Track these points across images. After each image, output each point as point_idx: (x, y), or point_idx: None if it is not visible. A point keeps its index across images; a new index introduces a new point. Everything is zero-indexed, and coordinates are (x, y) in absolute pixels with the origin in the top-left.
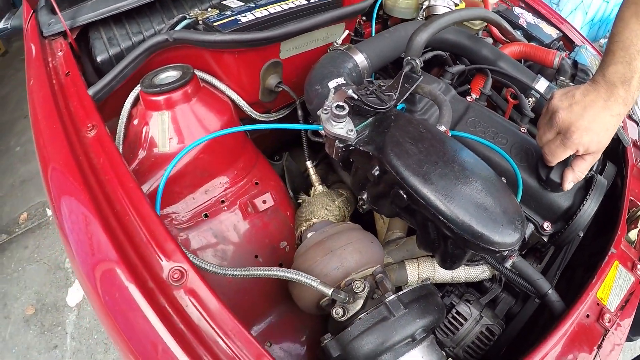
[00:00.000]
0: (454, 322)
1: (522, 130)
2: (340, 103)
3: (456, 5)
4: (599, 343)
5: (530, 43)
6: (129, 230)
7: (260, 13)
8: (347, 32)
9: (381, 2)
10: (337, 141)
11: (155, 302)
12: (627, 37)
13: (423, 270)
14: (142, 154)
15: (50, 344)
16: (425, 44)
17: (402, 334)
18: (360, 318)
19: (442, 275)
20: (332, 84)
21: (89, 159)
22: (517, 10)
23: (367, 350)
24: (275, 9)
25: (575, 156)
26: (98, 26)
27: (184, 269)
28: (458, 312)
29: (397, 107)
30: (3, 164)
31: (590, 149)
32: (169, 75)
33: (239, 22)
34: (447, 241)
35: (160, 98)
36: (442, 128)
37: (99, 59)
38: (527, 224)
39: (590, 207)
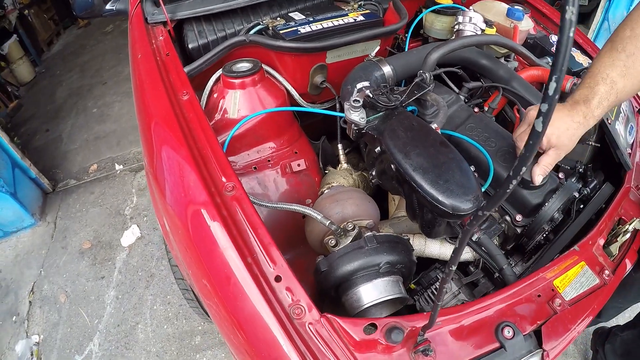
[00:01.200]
0: (434, 294)
1: None
2: (357, 98)
3: (482, 30)
4: (545, 320)
5: (547, 68)
6: (206, 161)
7: (315, 27)
8: (377, 47)
9: (420, 23)
10: (352, 125)
11: (215, 202)
12: (596, 68)
13: (415, 244)
14: (217, 116)
15: (99, 274)
16: (436, 61)
17: (370, 261)
18: (345, 245)
19: (431, 250)
20: (358, 85)
21: (184, 115)
22: (554, 38)
23: (344, 269)
24: (327, 24)
25: (541, 153)
26: (191, 21)
27: (234, 185)
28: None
29: (408, 109)
30: (80, 121)
31: (552, 141)
32: (244, 65)
33: (299, 33)
34: (423, 209)
35: (236, 81)
36: (434, 125)
37: (190, 46)
38: (483, 201)
39: (553, 204)
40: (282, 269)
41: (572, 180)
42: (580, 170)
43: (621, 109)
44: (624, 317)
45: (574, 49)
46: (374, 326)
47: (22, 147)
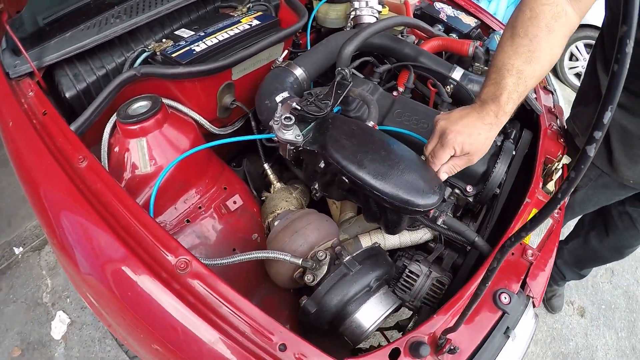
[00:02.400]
0: (409, 280)
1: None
2: (288, 115)
3: (379, 12)
4: (526, 273)
5: (448, 36)
6: (137, 237)
7: (210, 41)
8: (286, 51)
9: (314, 15)
10: (288, 145)
11: (172, 287)
12: (500, 59)
13: (375, 241)
14: (127, 175)
15: None
16: (352, 54)
17: (360, 284)
18: (326, 278)
19: (392, 242)
20: (278, 98)
21: (87, 186)
22: (438, 5)
23: (336, 302)
24: (223, 36)
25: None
26: (63, 64)
27: (187, 259)
28: (410, 271)
29: (334, 110)
30: None
31: (465, 149)
32: (141, 105)
33: (194, 52)
34: (386, 211)
35: (137, 127)
36: (371, 123)
37: (67, 95)
38: (445, 187)
39: (500, 169)
40: (283, 335)
41: (503, 138)
42: (509, 130)
43: None
44: (563, 234)
45: (458, 11)
46: (397, 350)
47: None
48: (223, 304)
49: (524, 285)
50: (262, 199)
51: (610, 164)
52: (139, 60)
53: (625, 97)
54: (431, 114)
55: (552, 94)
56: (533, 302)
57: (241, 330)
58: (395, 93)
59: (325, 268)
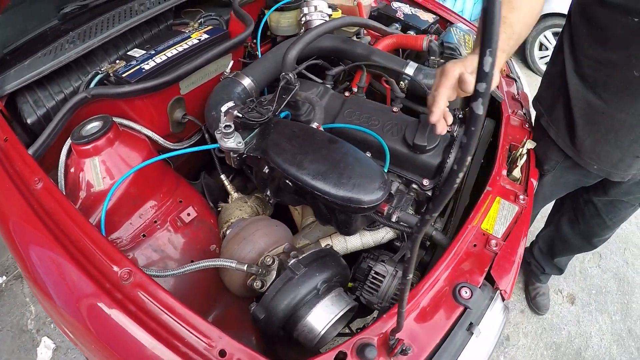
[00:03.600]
0: (375, 282)
1: (394, 110)
2: (228, 123)
3: (329, 15)
4: (490, 264)
5: (402, 33)
6: (87, 254)
7: (159, 59)
8: (231, 62)
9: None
10: (231, 153)
11: (113, 297)
12: None
13: (336, 244)
14: (82, 194)
15: None
16: (295, 59)
17: (307, 288)
18: (273, 283)
19: (353, 244)
20: (223, 108)
21: (43, 207)
22: (395, 4)
23: (283, 307)
24: (172, 52)
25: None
26: (23, 91)
27: (130, 270)
28: (376, 272)
29: (281, 115)
30: None
31: (474, 63)
32: (93, 126)
33: (143, 70)
34: (334, 211)
35: (89, 147)
36: (315, 124)
37: (28, 121)
38: (392, 182)
39: (465, 158)
40: (221, 341)
41: (457, 128)
42: (460, 116)
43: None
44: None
45: (416, 8)
46: (343, 354)
47: None
48: (164, 311)
49: (490, 278)
50: (219, 210)
51: (574, 144)
52: (93, 83)
53: (591, 68)
54: (382, 110)
55: (515, 81)
56: (501, 294)
57: (181, 337)
58: (347, 93)
59: (274, 273)
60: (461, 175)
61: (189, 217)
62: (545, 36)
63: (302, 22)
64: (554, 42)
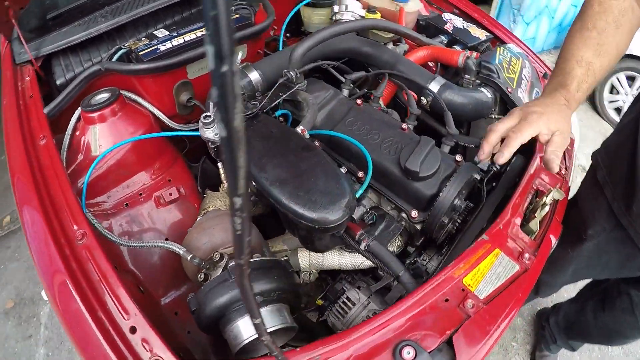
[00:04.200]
0: (344, 307)
1: (403, 127)
2: (208, 113)
3: (362, 17)
4: (456, 328)
5: (441, 46)
6: (58, 209)
7: (177, 42)
8: (241, 53)
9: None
10: (209, 143)
11: (63, 253)
12: (569, 51)
13: (313, 257)
14: (80, 157)
15: (26, 333)
16: (302, 57)
17: (233, 296)
18: (209, 280)
19: (330, 262)
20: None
21: (39, 162)
22: (447, 16)
23: (213, 306)
24: (190, 36)
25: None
26: (58, 55)
27: (84, 232)
28: (348, 298)
29: (278, 113)
30: None
31: (551, 128)
32: (102, 96)
33: (157, 51)
34: (294, 223)
35: (94, 115)
36: (300, 128)
37: (58, 82)
38: (357, 206)
39: (449, 193)
40: (136, 319)
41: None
42: (495, 169)
43: (523, 75)
44: (568, 294)
45: (469, 23)
46: None
47: None
48: (98, 276)
49: (452, 344)
50: (204, 196)
51: (629, 212)
52: (116, 56)
53: None
54: (388, 125)
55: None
56: None
57: (103, 303)
58: (359, 101)
59: (219, 270)
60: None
61: (171, 196)
62: (618, 79)
63: (333, 20)
64: (626, 87)
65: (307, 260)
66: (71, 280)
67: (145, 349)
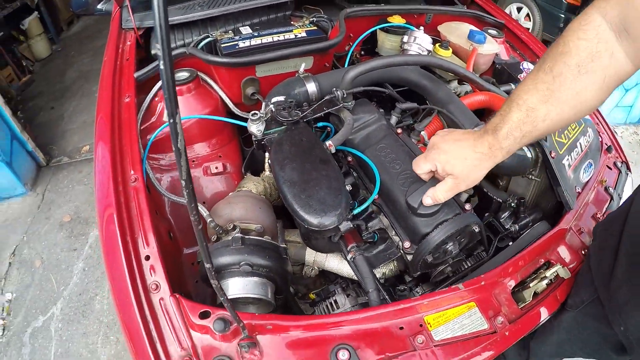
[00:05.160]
0: (329, 307)
1: None
2: (255, 111)
3: (429, 51)
4: (397, 354)
5: (498, 93)
6: (124, 156)
7: (255, 42)
8: (304, 64)
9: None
10: (253, 136)
11: (117, 188)
12: (516, 92)
13: (318, 256)
14: (153, 119)
15: (72, 246)
16: (353, 80)
17: (232, 259)
18: (216, 242)
19: (331, 264)
20: (273, 100)
21: (120, 116)
22: (526, 65)
23: (214, 262)
24: (267, 39)
25: (440, 179)
26: None
27: (137, 177)
28: (335, 301)
29: (319, 124)
30: (82, 104)
31: (446, 169)
32: (183, 74)
33: (237, 47)
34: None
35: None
36: (328, 143)
37: (152, 52)
38: (346, 219)
39: (437, 235)
40: (152, 251)
41: (502, 214)
42: (513, 204)
43: (578, 143)
44: None
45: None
46: (207, 314)
47: (26, 122)
48: (137, 212)
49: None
50: (244, 177)
51: (608, 287)
52: (202, 43)
53: None
54: (412, 157)
55: (612, 199)
56: None
57: (134, 232)
58: (399, 130)
59: (229, 238)
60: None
61: (216, 170)
62: None
63: (401, 49)
64: None
65: (313, 257)
66: (117, 211)
67: (150, 274)
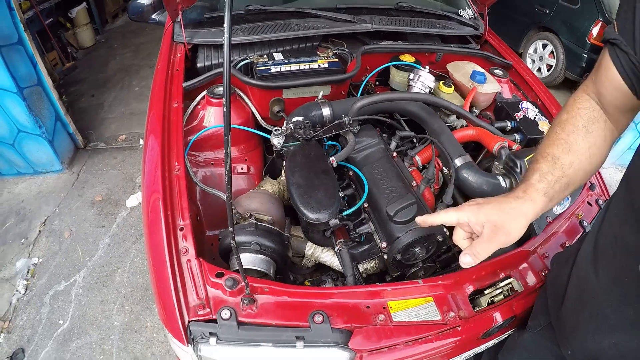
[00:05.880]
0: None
1: (413, 184)
2: (277, 127)
3: (431, 89)
4: (360, 326)
5: (484, 129)
6: (170, 150)
7: (285, 68)
8: (322, 92)
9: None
10: (273, 147)
11: (164, 174)
12: (538, 150)
13: (316, 250)
14: (195, 122)
15: (100, 223)
16: (359, 109)
17: (244, 238)
18: (238, 225)
19: (325, 258)
20: (293, 119)
21: (169, 117)
22: (525, 104)
23: (229, 241)
24: (295, 67)
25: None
26: (204, 46)
27: (180, 167)
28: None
29: (328, 143)
30: (122, 95)
31: (479, 219)
32: (222, 89)
33: (269, 71)
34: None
35: (213, 100)
36: (331, 158)
37: (198, 65)
38: (335, 217)
39: (405, 238)
40: (186, 224)
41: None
42: None
43: None
44: None
45: (543, 117)
46: (222, 274)
47: (68, 105)
48: (178, 194)
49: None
50: (264, 179)
51: (559, 311)
52: (241, 64)
53: (609, 245)
54: (401, 180)
55: (584, 231)
56: (355, 358)
57: (174, 208)
58: (394, 154)
59: (246, 223)
60: None
61: (241, 170)
62: None
63: (407, 85)
64: None
65: (311, 250)
66: (162, 191)
67: (182, 241)
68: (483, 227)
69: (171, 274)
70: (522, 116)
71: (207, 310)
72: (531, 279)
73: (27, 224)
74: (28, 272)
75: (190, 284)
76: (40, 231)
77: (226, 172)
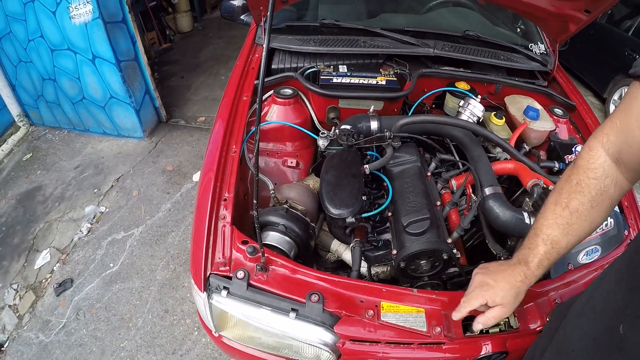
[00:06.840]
0: None
1: (437, 203)
2: (325, 131)
3: (479, 118)
4: (348, 315)
5: (527, 164)
6: (232, 134)
7: (346, 80)
8: (373, 107)
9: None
10: (319, 148)
11: (221, 154)
12: (539, 226)
13: (340, 247)
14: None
15: (167, 190)
16: (401, 127)
17: (274, 219)
18: (270, 207)
19: (346, 256)
20: (342, 127)
21: (237, 107)
22: (579, 148)
23: (264, 218)
24: (355, 81)
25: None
26: (280, 50)
27: (236, 150)
28: None
29: (369, 152)
30: (209, 81)
31: (497, 301)
32: (288, 91)
33: (331, 81)
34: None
35: (279, 100)
36: (365, 166)
37: (273, 66)
38: (355, 216)
39: (409, 248)
40: (229, 196)
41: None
42: (502, 258)
43: None
44: None
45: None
46: (246, 242)
47: (158, 82)
48: (230, 172)
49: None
50: (309, 174)
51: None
52: (308, 71)
53: (599, 298)
54: (426, 195)
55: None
56: (337, 345)
57: (223, 182)
58: (429, 174)
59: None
60: None
61: (290, 164)
62: None
63: (457, 111)
64: None
65: (336, 246)
66: (216, 167)
67: (223, 209)
68: (495, 307)
69: (207, 233)
70: (570, 158)
71: (227, 268)
72: (533, 320)
73: (102, 178)
74: (94, 217)
75: (220, 244)
76: (112, 185)
77: (254, 154)
